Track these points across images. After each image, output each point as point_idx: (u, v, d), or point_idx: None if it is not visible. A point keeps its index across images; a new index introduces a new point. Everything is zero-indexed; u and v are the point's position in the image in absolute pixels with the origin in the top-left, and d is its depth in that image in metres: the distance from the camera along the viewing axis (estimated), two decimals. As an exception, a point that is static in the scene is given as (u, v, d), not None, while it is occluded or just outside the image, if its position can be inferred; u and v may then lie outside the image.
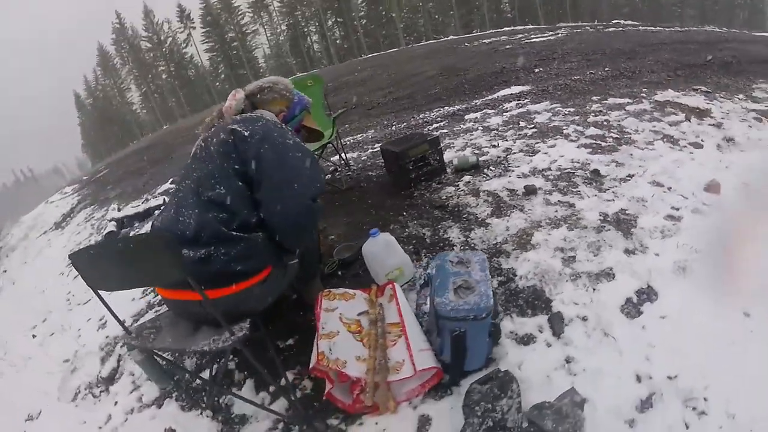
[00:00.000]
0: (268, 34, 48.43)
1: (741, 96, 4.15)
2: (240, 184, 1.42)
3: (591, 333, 1.63)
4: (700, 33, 9.54)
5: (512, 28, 20.63)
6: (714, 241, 2.10)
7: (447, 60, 10.04)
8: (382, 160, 3.46)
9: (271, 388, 1.80)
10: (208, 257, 1.36)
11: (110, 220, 4.82)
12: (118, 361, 2.44)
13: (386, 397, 1.43)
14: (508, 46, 10.07)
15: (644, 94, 4.46)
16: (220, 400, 1.86)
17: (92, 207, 7.85)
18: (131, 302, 3.01)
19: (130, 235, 4.20)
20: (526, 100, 5.19)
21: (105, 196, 8.35)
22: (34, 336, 3.34)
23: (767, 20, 38.17)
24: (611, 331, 1.63)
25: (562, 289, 1.87)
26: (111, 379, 2.34)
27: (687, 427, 1.29)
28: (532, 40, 10.57)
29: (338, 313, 1.67)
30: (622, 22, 13.85)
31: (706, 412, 1.30)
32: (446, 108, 5.95)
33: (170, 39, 48.24)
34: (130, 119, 51.76)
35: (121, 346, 2.52)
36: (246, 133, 1.45)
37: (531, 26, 20.04)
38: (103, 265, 1.34)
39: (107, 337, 2.73)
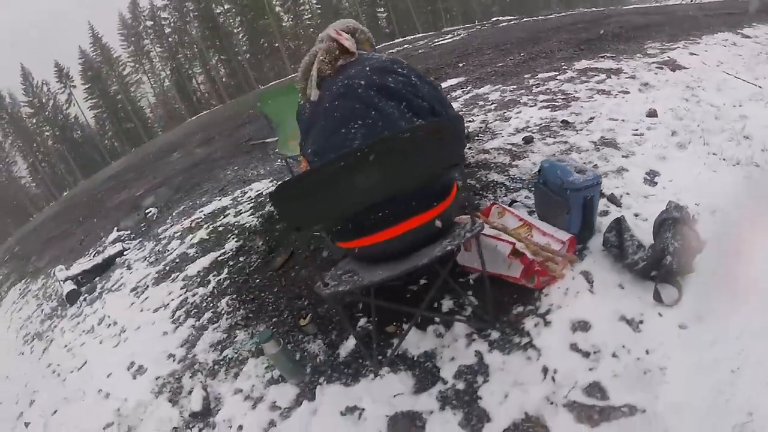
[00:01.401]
0: (152, 82, 46.51)
1: (639, 55, 5.46)
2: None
3: (636, 199, 2.48)
4: (584, 14, 11.22)
5: (414, 36, 22.12)
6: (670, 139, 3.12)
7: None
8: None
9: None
10: None
11: (64, 281, 4.31)
12: (205, 388, 2.09)
13: (555, 267, 1.79)
14: (421, 51, 11.22)
15: (565, 66, 5.60)
16: (388, 353, 1.79)
17: (23, 281, 7.30)
18: (163, 337, 2.62)
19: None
20: (469, 87, 6.05)
21: (33, 267, 7.80)
22: (27, 424, 2.68)
23: None
24: (646, 192, 2.50)
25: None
26: (208, 409, 1.98)
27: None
28: (439, 43, 11.84)
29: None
30: (501, 18, 15.74)
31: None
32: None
33: (51, 102, 44.40)
34: (21, 196, 46.29)
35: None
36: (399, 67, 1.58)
37: (420, 34, 21.75)
38: (359, 178, 1.34)
39: (158, 377, 2.32)
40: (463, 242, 1.54)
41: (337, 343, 1.97)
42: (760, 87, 4.17)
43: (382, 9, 45.48)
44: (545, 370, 1.53)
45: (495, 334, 1.72)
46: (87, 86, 44.89)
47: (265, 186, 4.60)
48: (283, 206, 1.38)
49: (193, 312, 2.70)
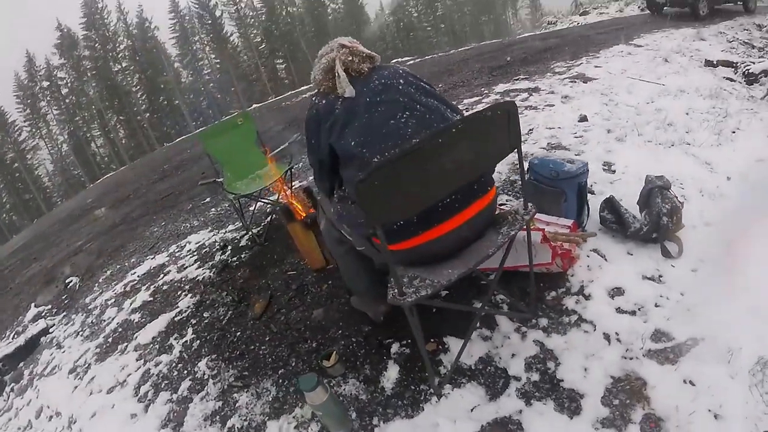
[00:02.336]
0: (50, 147, 42.11)
1: (549, 74, 5.97)
2: None
3: (605, 185, 2.63)
4: (485, 47, 12.19)
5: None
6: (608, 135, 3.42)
7: (287, 114, 10.81)
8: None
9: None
10: None
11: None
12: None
13: (578, 246, 2.05)
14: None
15: (486, 91, 5.96)
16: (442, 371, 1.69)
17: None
18: (133, 420, 2.14)
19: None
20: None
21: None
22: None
23: (509, 26, 48.75)
24: (610, 179, 2.70)
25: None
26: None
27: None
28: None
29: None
30: (400, 60, 16.58)
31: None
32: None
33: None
34: None
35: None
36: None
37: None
38: (451, 157, 1.31)
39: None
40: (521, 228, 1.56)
41: (376, 377, 1.78)
42: (663, 84, 4.78)
43: (281, 60, 46.12)
44: (607, 336, 1.67)
45: (543, 321, 1.78)
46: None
47: (205, 237, 4.18)
48: (370, 196, 1.23)
49: (163, 384, 2.24)
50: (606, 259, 2.05)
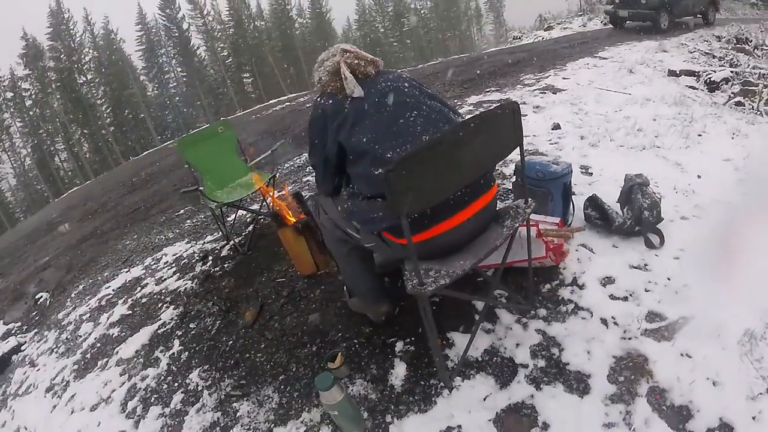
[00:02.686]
0: (12, 161, 40.03)
1: (519, 86, 6.16)
2: None
3: (584, 187, 2.71)
4: (453, 60, 12.35)
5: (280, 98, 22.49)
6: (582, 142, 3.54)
7: (258, 126, 10.71)
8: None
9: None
10: None
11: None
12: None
13: (568, 240, 2.20)
14: (308, 105, 11.37)
15: (459, 103, 6.07)
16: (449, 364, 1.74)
17: None
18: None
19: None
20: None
21: None
22: None
23: (474, 41, 49.84)
24: (589, 180, 2.84)
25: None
26: None
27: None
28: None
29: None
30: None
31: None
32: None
33: None
34: None
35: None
36: None
37: (285, 96, 22.20)
38: (471, 149, 1.41)
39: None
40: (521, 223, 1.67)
41: (384, 376, 1.79)
42: (630, 94, 5.03)
43: (248, 74, 45.77)
44: (604, 321, 1.78)
45: (542, 312, 1.88)
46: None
47: (182, 248, 4.07)
48: (399, 185, 1.27)
49: (153, 399, 2.15)
50: (594, 252, 2.19)
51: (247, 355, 2.16)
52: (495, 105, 3.04)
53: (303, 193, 2.85)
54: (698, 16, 11.21)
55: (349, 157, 1.61)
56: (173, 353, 2.45)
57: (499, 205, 1.77)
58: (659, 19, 10.20)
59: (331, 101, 1.63)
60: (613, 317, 1.78)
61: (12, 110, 38.49)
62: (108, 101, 40.55)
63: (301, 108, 11.15)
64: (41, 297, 4.32)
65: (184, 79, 42.79)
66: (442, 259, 1.55)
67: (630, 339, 1.67)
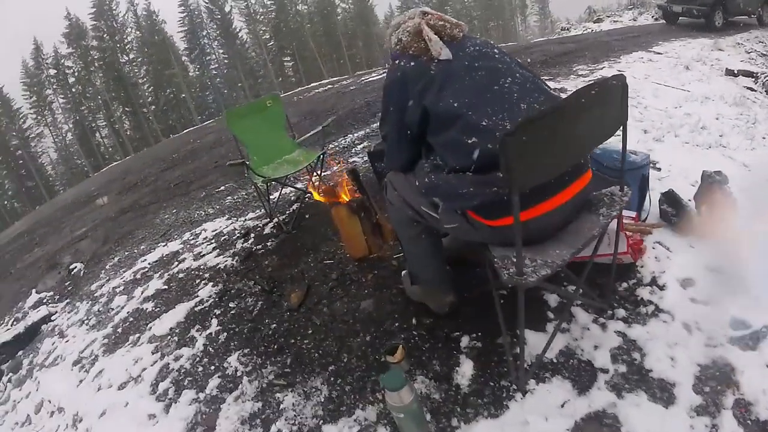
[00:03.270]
0: (54, 136, 41.83)
1: (573, 75, 5.79)
2: None
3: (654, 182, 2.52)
4: (503, 48, 12.07)
5: (329, 79, 22.42)
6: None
7: (301, 107, 10.56)
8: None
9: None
10: None
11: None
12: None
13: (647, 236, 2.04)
14: (352, 88, 11.15)
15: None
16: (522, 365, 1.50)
17: None
18: (152, 422, 1.89)
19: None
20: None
21: None
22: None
23: (517, 32, 48.83)
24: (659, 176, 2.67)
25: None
26: None
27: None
28: (366, 80, 11.90)
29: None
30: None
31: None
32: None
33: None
34: None
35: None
36: None
37: (339, 77, 22.06)
38: (590, 119, 1.27)
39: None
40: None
41: (448, 373, 1.60)
42: (688, 90, 4.74)
43: (289, 58, 46.00)
44: (687, 326, 1.63)
45: (620, 312, 1.72)
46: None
47: (222, 225, 3.93)
48: (516, 153, 1.11)
49: (186, 381, 1.97)
50: (670, 251, 2.00)
51: (293, 341, 1.95)
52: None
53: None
54: (752, 16, 10.61)
55: (433, 125, 1.43)
56: (210, 333, 2.27)
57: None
58: (713, 16, 9.82)
59: (413, 63, 1.48)
60: (696, 322, 1.63)
61: (55, 87, 40.09)
62: (149, 80, 41.64)
63: (345, 90, 10.97)
64: (75, 267, 4.28)
65: (226, 61, 43.42)
66: (532, 247, 1.35)
67: (715, 347, 1.53)
